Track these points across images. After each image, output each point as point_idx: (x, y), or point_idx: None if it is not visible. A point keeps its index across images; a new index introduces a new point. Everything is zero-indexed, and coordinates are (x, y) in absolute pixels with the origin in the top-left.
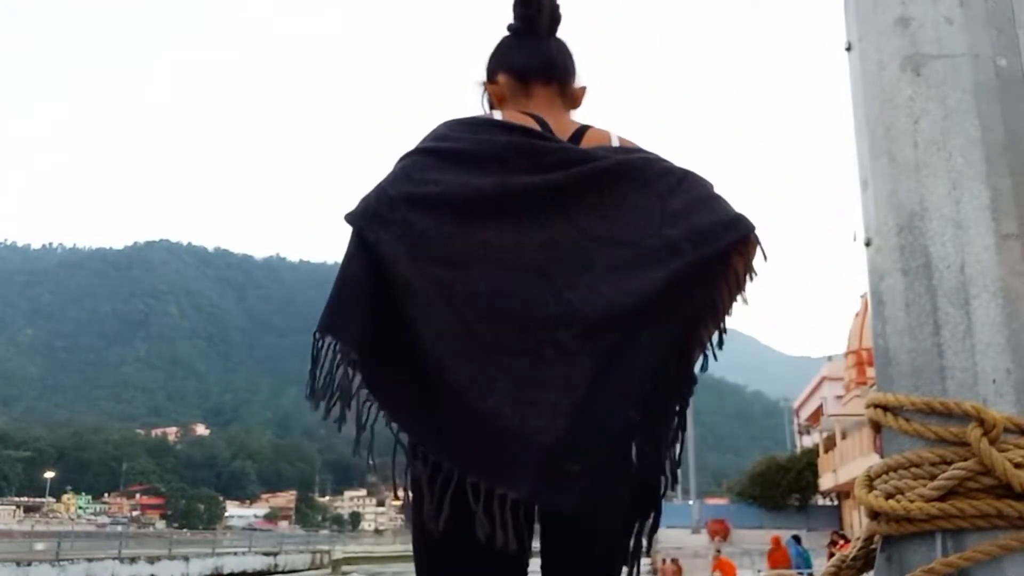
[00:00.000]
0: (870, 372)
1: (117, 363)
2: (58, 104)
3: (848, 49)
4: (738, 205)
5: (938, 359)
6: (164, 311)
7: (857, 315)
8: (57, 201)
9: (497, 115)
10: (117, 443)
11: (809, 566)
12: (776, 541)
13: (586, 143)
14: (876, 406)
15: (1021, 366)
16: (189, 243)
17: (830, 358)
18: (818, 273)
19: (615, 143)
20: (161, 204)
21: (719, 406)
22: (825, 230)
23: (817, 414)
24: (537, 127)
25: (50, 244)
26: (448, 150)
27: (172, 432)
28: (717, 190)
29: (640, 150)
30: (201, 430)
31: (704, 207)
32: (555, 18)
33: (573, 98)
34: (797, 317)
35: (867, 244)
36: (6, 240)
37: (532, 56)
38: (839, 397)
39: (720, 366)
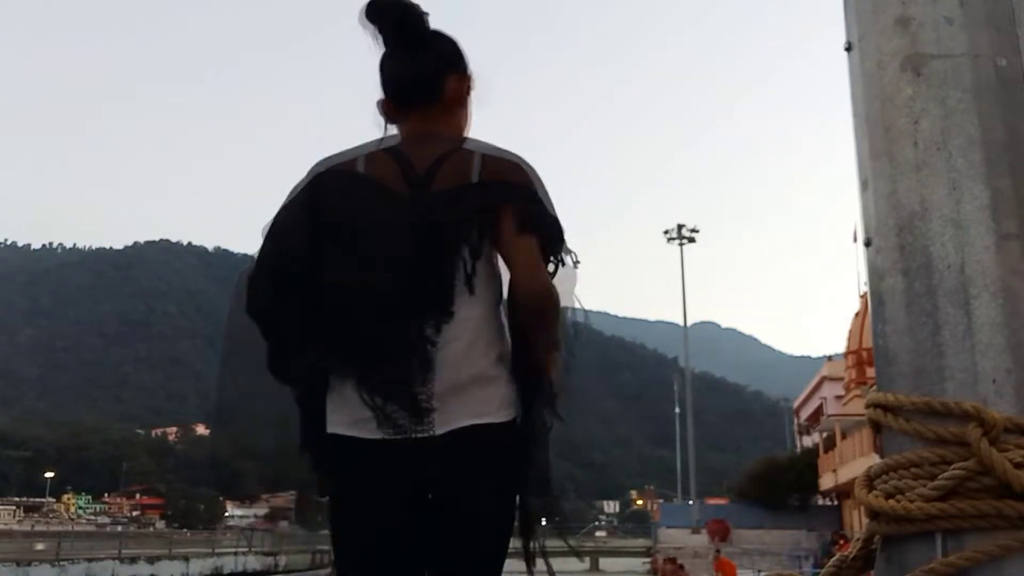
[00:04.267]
0: (870, 372)
1: (117, 363)
2: (59, 104)
3: (848, 49)
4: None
5: (938, 359)
6: (164, 311)
7: (857, 315)
8: (57, 201)
9: (362, 160)
10: (117, 443)
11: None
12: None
13: (443, 179)
14: (876, 406)
15: (1021, 366)
16: (189, 243)
17: (830, 358)
18: (818, 273)
19: (476, 167)
20: (161, 204)
21: (719, 406)
22: (825, 230)
23: (817, 414)
24: (399, 178)
25: (50, 244)
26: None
27: (172, 432)
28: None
29: (489, 184)
30: (201, 430)
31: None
32: (406, 21)
33: (446, 106)
34: (797, 317)
35: (867, 244)
36: (6, 240)
37: (393, 81)
38: (839, 397)
39: (720, 366)
